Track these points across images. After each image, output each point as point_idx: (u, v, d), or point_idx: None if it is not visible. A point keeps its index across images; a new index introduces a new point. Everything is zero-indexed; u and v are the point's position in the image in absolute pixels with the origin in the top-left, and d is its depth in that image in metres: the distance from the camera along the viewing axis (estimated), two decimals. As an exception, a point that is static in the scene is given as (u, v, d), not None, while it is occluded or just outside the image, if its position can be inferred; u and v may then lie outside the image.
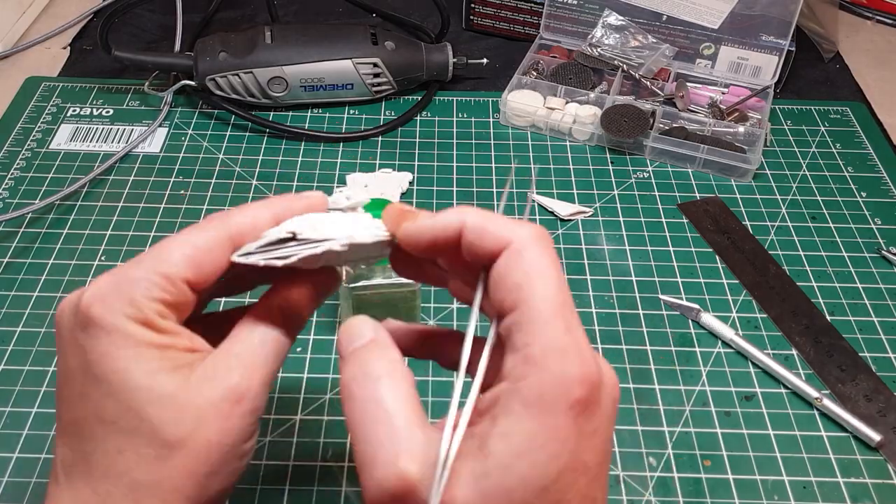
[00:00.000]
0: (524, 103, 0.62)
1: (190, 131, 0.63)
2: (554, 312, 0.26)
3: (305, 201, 0.32)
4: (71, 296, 0.29)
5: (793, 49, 0.64)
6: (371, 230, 0.30)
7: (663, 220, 0.56)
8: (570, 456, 0.25)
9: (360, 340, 0.28)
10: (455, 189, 0.58)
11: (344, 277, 0.43)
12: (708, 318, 0.49)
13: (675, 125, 0.62)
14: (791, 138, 0.63)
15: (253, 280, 0.34)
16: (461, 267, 0.30)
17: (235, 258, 0.29)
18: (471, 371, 0.27)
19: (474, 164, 0.60)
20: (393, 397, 0.26)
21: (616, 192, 0.58)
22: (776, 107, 0.66)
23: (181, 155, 0.60)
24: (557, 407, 0.25)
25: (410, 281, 0.43)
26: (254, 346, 0.29)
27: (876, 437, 0.43)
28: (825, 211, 0.57)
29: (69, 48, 0.72)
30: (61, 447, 0.29)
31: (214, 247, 0.29)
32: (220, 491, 0.29)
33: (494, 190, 0.58)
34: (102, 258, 0.53)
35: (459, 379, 0.27)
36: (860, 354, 0.48)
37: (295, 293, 0.31)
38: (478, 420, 0.26)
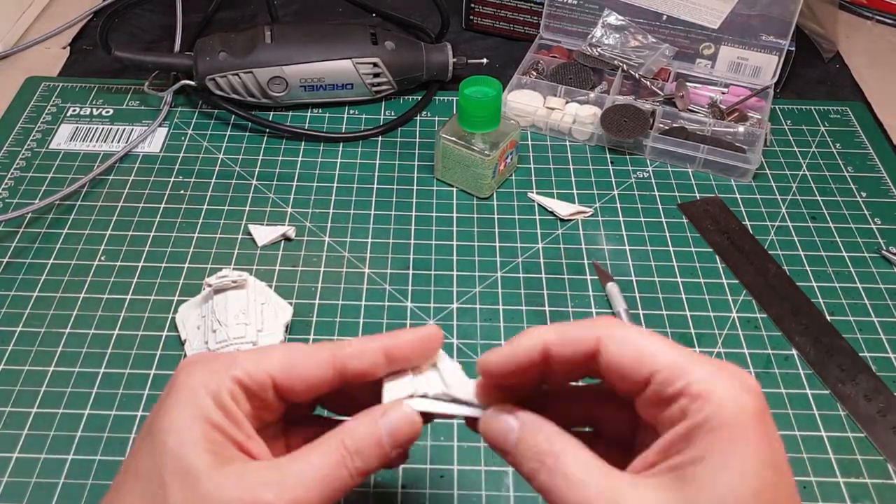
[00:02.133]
0: (524, 103, 0.62)
1: (190, 131, 0.63)
2: (684, 356, 0.27)
3: (416, 338, 0.32)
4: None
5: (793, 49, 0.64)
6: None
7: (663, 220, 0.56)
8: (771, 456, 0.26)
9: (513, 432, 0.29)
10: (455, 189, 0.58)
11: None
12: (611, 288, 0.50)
13: (675, 125, 0.62)
14: (791, 138, 0.63)
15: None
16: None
17: (417, 407, 0.31)
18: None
19: (474, 164, 0.60)
20: (579, 464, 0.27)
21: (616, 192, 0.58)
22: (776, 107, 0.66)
23: (181, 155, 0.60)
24: (744, 421, 0.25)
25: (490, 154, 0.55)
26: (307, 472, 0.28)
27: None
28: (825, 211, 0.57)
29: (69, 48, 0.72)
30: (109, 492, 0.30)
31: (311, 358, 0.30)
32: None
33: (494, 190, 0.58)
34: (102, 258, 0.53)
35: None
36: (860, 354, 0.48)
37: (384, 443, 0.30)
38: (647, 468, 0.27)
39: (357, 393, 0.33)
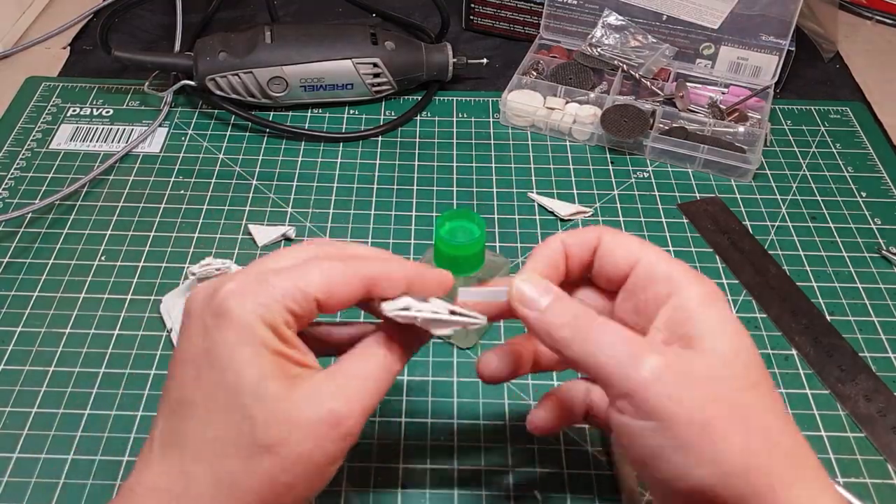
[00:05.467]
0: (524, 103, 0.62)
1: (190, 131, 0.63)
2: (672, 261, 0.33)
3: (437, 279, 0.35)
4: (208, 283, 0.32)
5: (793, 49, 0.64)
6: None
7: (663, 220, 0.56)
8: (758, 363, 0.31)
9: (547, 297, 0.32)
10: (455, 189, 0.58)
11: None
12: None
13: (675, 125, 0.62)
14: (791, 138, 0.63)
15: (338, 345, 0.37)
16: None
17: (390, 313, 0.33)
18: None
19: (474, 164, 0.60)
20: (616, 328, 0.31)
21: (616, 192, 0.58)
22: (776, 107, 0.66)
23: (181, 155, 0.60)
24: (716, 301, 0.32)
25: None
26: (360, 377, 0.32)
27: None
28: (825, 211, 0.57)
29: (69, 48, 0.72)
30: (164, 420, 0.31)
31: (349, 281, 0.32)
32: (292, 503, 0.30)
33: (494, 190, 0.58)
34: (102, 258, 0.53)
35: None
36: (860, 354, 0.48)
37: (406, 340, 0.34)
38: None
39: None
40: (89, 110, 0.64)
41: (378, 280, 0.33)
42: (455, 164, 0.60)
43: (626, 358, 0.30)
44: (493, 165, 0.60)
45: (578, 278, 0.36)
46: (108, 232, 0.54)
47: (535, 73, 0.66)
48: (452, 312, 0.34)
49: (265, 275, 0.31)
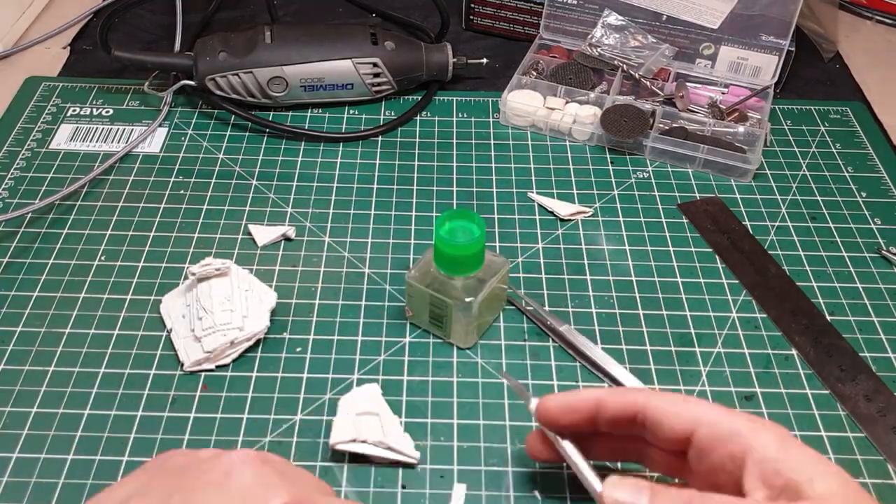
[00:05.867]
0: (524, 103, 0.62)
1: (190, 131, 0.63)
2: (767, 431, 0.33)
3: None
4: (184, 457, 0.34)
5: (793, 49, 0.64)
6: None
7: (663, 220, 0.56)
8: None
9: (643, 495, 0.32)
10: (455, 189, 0.58)
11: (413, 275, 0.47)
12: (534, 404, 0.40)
13: (675, 125, 0.62)
14: (791, 138, 0.63)
15: None
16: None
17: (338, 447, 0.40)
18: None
19: (474, 164, 0.60)
20: (716, 499, 0.31)
21: (616, 192, 0.58)
22: (776, 107, 0.66)
23: (181, 155, 0.60)
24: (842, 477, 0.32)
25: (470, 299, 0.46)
26: None
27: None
28: (825, 211, 0.57)
29: (69, 48, 0.72)
30: None
31: None
32: None
33: (494, 190, 0.58)
34: (102, 258, 0.53)
35: None
36: (860, 354, 0.48)
37: None
38: None
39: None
40: (89, 110, 0.64)
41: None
42: (455, 164, 0.60)
43: None
44: (493, 165, 0.60)
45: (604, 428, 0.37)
46: (108, 232, 0.54)
47: (535, 73, 0.66)
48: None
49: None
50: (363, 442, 0.41)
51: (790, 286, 0.52)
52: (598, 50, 0.67)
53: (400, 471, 0.42)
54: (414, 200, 0.57)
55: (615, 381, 0.46)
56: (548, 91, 0.64)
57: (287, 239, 0.54)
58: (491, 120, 0.64)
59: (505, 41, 0.73)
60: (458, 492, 0.41)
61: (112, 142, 0.61)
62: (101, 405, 0.44)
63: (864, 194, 0.59)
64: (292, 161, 0.60)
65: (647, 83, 0.64)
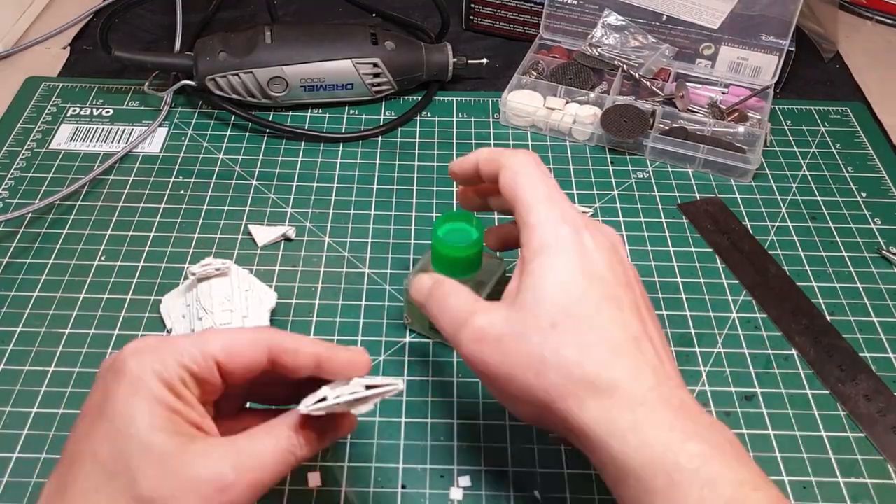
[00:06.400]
0: (524, 103, 0.62)
1: (190, 131, 0.63)
2: (539, 198, 0.37)
3: (347, 359, 0.35)
4: (122, 349, 0.32)
5: (793, 49, 0.64)
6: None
7: (663, 220, 0.56)
8: (581, 266, 0.35)
9: (427, 286, 0.39)
10: (455, 189, 0.58)
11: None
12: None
13: (675, 125, 0.62)
14: (791, 138, 0.64)
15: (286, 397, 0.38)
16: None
17: (304, 410, 0.32)
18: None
19: (474, 164, 0.60)
20: (457, 295, 0.37)
21: (616, 192, 0.58)
22: (776, 107, 0.66)
23: (181, 155, 0.60)
24: (558, 231, 0.35)
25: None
26: (258, 451, 0.31)
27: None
28: (825, 211, 0.57)
29: (69, 48, 0.72)
30: (55, 475, 0.31)
31: (251, 345, 0.33)
32: None
33: (494, 190, 0.58)
34: (102, 258, 0.53)
35: None
36: (860, 354, 0.48)
37: (321, 427, 0.34)
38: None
39: (280, 390, 0.38)
40: (89, 110, 0.64)
41: (284, 350, 0.33)
42: (455, 164, 0.60)
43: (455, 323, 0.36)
44: (493, 165, 0.60)
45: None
46: (108, 232, 0.54)
47: (535, 73, 0.66)
48: (370, 387, 0.33)
49: (169, 337, 0.32)
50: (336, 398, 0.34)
51: (790, 286, 0.52)
52: (598, 50, 0.67)
53: (400, 470, 0.42)
54: (414, 200, 0.57)
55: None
56: (548, 91, 0.64)
57: (287, 239, 0.54)
58: (491, 120, 0.64)
59: (505, 41, 0.73)
60: (458, 492, 0.41)
61: (112, 142, 0.61)
62: (101, 405, 0.44)
63: (864, 194, 0.59)
64: (292, 161, 0.60)
65: (648, 83, 0.64)
